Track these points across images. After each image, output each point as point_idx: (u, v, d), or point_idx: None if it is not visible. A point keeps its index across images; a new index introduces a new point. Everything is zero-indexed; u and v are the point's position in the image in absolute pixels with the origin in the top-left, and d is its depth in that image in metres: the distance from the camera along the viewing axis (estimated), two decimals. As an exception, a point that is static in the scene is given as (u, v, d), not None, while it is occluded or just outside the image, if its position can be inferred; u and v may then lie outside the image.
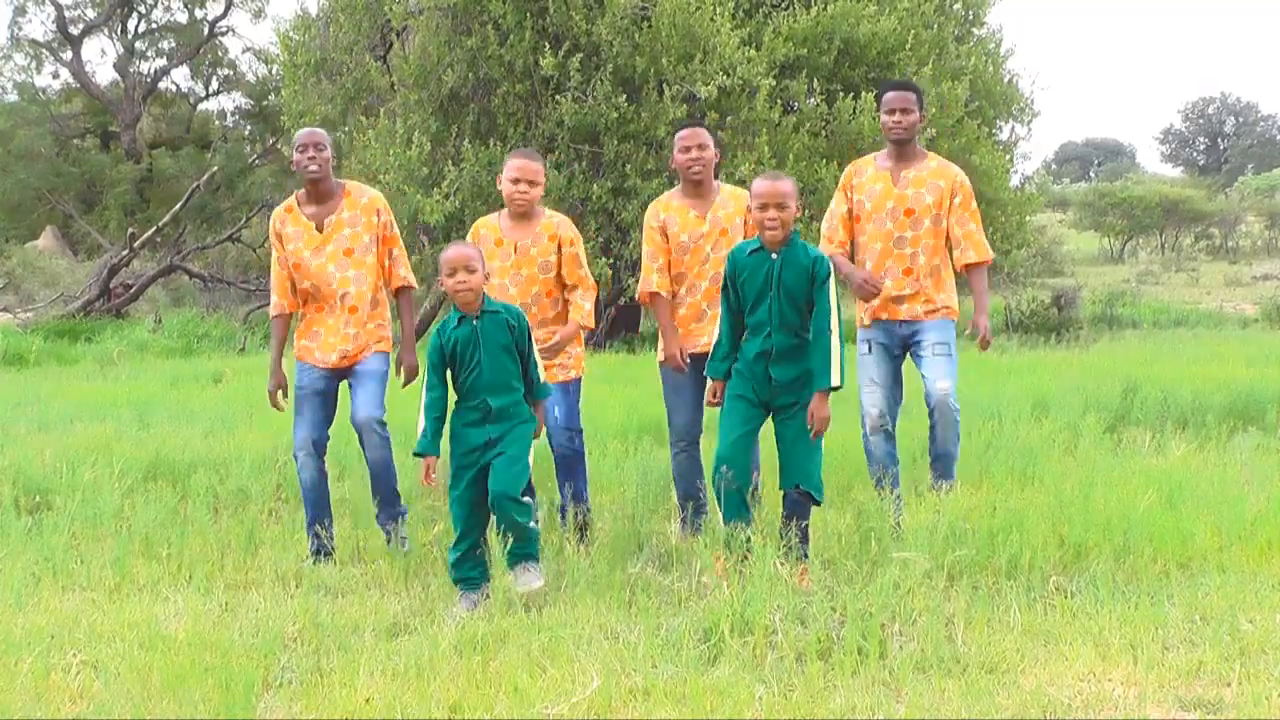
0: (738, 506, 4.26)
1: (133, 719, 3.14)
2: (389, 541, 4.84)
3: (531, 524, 4.23)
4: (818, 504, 4.35)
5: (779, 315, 4.29)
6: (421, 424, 4.22)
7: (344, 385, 5.09)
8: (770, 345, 4.31)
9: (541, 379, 4.36)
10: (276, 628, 3.80)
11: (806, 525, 4.32)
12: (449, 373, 4.27)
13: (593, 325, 5.16)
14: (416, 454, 4.25)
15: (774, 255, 4.30)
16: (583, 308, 5.05)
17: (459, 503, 4.22)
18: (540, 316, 5.01)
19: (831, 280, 4.31)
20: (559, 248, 5.04)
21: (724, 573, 4.05)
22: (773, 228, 4.26)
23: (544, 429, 4.58)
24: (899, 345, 5.16)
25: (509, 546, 4.15)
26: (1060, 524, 4.46)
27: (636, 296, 5.45)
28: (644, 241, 5.24)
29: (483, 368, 4.19)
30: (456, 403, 4.26)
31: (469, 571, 4.22)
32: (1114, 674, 3.37)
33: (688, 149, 5.11)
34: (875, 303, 5.12)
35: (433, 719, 3.13)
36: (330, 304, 4.99)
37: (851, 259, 5.23)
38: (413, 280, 5.19)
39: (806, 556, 4.27)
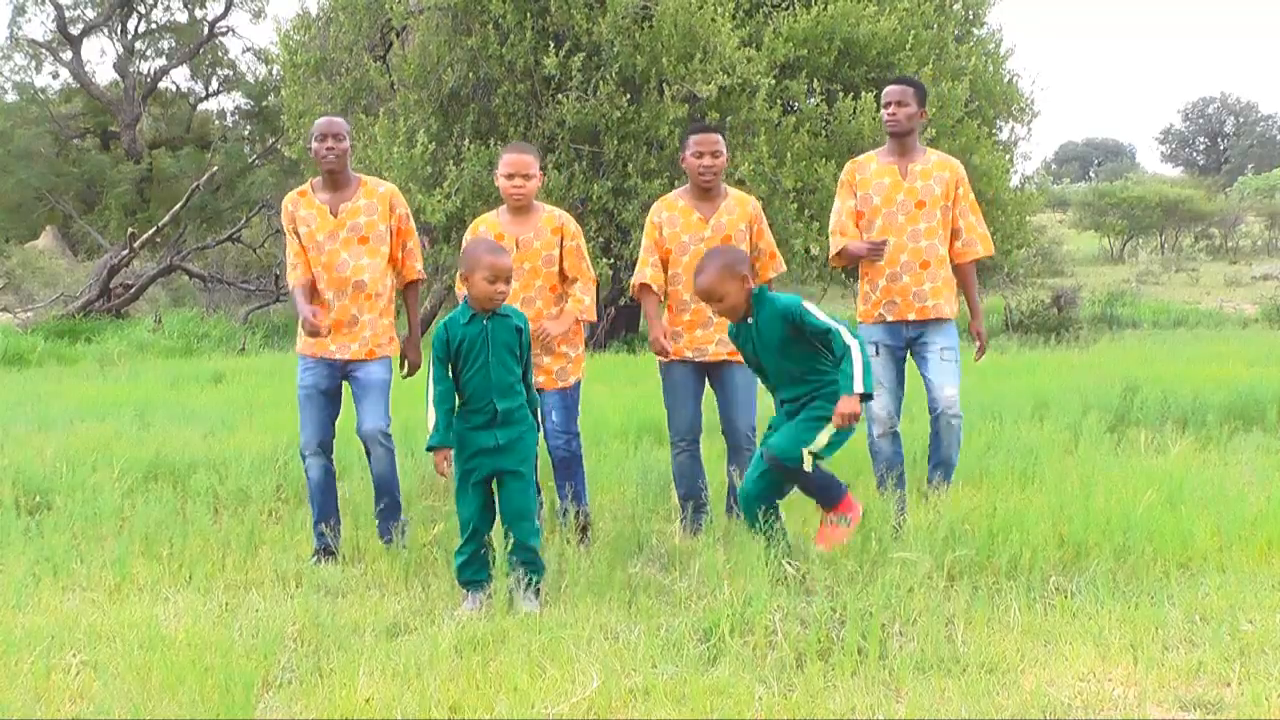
0: (753, 520, 4.32)
1: (132, 719, 3.14)
2: (388, 543, 4.83)
3: (537, 525, 4.27)
4: (788, 469, 4.30)
5: (779, 371, 4.41)
6: (433, 417, 4.17)
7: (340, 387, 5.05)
8: (786, 399, 4.41)
9: (532, 389, 4.33)
10: (276, 628, 3.80)
11: (810, 483, 4.32)
12: (450, 369, 4.26)
13: (594, 318, 5.12)
14: (430, 448, 4.20)
15: (749, 320, 4.41)
16: (582, 301, 5.02)
17: (467, 504, 4.22)
18: (545, 311, 5.00)
19: (808, 307, 4.33)
20: (561, 240, 5.03)
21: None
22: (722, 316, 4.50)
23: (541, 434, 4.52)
24: (903, 346, 5.13)
25: (509, 550, 4.14)
26: (1060, 524, 4.45)
27: (630, 289, 5.41)
28: (644, 236, 5.24)
29: (489, 368, 4.17)
30: (461, 406, 4.21)
31: (475, 574, 4.21)
32: (1114, 674, 3.37)
33: (700, 155, 5.06)
34: (884, 303, 5.07)
35: (432, 719, 3.13)
36: (343, 291, 4.92)
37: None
38: (424, 274, 5.17)
39: (826, 509, 4.34)
